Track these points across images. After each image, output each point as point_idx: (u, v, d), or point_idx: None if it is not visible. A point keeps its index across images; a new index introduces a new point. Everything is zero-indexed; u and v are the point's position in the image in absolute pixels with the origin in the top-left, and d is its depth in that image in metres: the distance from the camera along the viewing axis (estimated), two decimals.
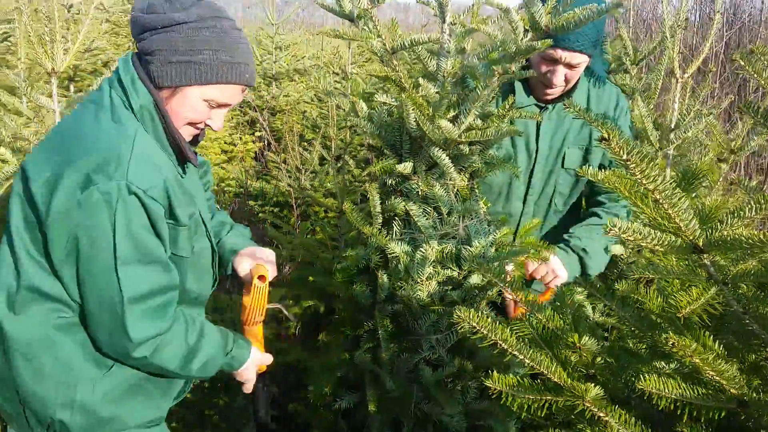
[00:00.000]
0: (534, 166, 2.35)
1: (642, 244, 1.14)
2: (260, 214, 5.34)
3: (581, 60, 2.13)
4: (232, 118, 7.53)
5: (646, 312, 1.40)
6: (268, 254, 1.91)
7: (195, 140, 1.74)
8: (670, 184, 1.09)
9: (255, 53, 7.87)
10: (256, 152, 7.42)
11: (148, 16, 1.51)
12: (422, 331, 2.07)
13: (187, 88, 1.56)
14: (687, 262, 1.21)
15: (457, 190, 2.09)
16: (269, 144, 7.23)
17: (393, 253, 2.03)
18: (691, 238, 1.14)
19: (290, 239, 3.29)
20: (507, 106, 1.96)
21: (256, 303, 1.81)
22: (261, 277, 1.80)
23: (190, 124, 1.63)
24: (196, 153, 1.70)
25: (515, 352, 1.34)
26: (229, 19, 1.58)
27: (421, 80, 1.95)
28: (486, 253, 2.04)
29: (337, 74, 7.15)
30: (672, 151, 2.71)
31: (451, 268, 2.03)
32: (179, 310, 1.61)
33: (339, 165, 4.17)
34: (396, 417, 2.17)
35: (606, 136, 1.05)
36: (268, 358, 1.88)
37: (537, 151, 2.33)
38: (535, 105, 2.31)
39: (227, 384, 2.84)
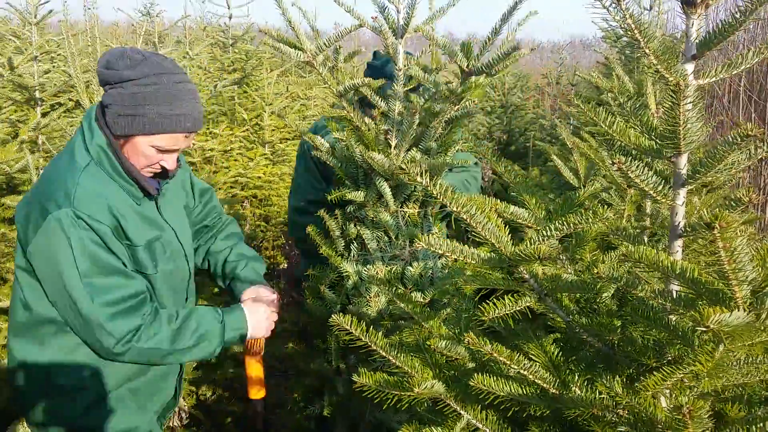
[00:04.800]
0: None
1: (454, 257, 1.34)
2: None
3: None
4: None
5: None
6: (270, 297, 2.09)
7: (165, 173, 1.92)
8: (478, 208, 1.29)
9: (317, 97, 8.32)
10: None
11: (106, 71, 1.76)
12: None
13: (137, 137, 1.79)
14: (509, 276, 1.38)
15: (408, 216, 2.31)
16: None
17: (345, 272, 2.27)
18: (505, 253, 1.33)
19: None
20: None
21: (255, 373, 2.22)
22: (254, 353, 2.16)
23: (147, 165, 1.86)
24: (159, 186, 1.92)
25: (382, 353, 1.56)
26: (172, 74, 1.79)
27: (366, 119, 2.21)
28: (436, 273, 2.24)
29: None
30: None
31: (397, 287, 2.25)
32: (156, 307, 1.83)
33: None
34: (354, 423, 2.39)
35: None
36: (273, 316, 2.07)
37: None
38: None
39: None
